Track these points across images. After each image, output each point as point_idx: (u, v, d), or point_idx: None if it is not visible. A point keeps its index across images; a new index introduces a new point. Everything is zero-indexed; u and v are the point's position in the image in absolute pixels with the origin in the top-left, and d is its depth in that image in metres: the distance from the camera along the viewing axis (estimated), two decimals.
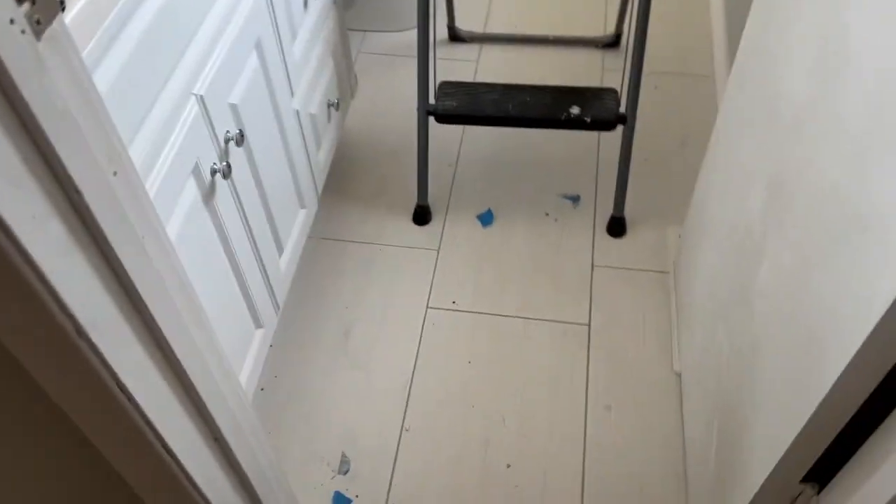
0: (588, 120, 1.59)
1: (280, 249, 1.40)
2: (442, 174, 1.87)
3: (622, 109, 1.61)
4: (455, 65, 2.13)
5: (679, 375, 1.49)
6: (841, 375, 0.72)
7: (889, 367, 0.71)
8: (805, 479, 0.91)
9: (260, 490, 0.96)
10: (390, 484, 1.37)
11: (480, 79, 2.10)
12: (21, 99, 0.47)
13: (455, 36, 2.20)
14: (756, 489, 0.94)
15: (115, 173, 0.58)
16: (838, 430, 0.80)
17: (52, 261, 0.52)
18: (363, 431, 1.44)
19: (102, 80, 0.82)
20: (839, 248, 0.76)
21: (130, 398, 0.64)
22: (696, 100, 2.02)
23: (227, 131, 1.10)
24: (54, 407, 0.66)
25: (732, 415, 1.08)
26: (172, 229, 0.98)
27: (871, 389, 0.73)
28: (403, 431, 1.43)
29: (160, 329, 0.65)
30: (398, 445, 1.42)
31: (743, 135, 1.15)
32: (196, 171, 1.02)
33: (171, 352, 0.68)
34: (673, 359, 1.51)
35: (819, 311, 0.78)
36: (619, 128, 1.62)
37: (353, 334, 1.58)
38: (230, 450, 0.85)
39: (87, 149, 0.53)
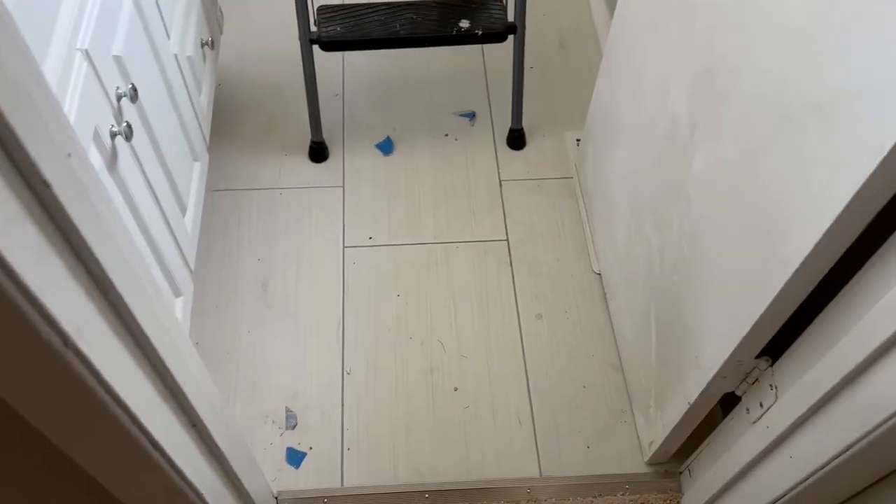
0: (479, 33, 1.56)
1: (183, 209, 1.29)
2: (330, 105, 1.78)
3: (510, 19, 1.59)
4: None
5: (599, 275, 1.54)
6: (806, 257, 0.76)
7: (847, 246, 0.76)
8: (758, 355, 0.98)
9: (237, 467, 0.91)
10: (342, 430, 1.35)
11: None
12: None
13: None
14: (714, 371, 1.00)
15: (69, 155, 0.50)
16: (796, 307, 0.86)
17: (30, 268, 0.44)
18: (303, 382, 1.39)
19: None
20: (790, 136, 0.79)
21: (118, 400, 0.57)
22: (567, 1, 2.02)
23: (118, 88, 0.98)
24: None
25: (673, 303, 1.14)
26: None
27: (830, 267, 0.78)
28: (345, 375, 1.41)
29: (139, 325, 0.58)
30: (342, 390, 1.39)
31: (651, 35, 1.16)
32: (96, 138, 0.91)
33: (152, 348, 0.61)
34: (591, 260, 1.56)
35: (774, 197, 0.82)
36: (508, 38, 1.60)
37: (272, 286, 1.51)
38: (208, 433, 0.80)
39: (45, 135, 0.45)
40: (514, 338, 1.46)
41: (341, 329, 1.46)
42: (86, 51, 0.89)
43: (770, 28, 0.81)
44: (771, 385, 0.96)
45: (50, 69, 0.82)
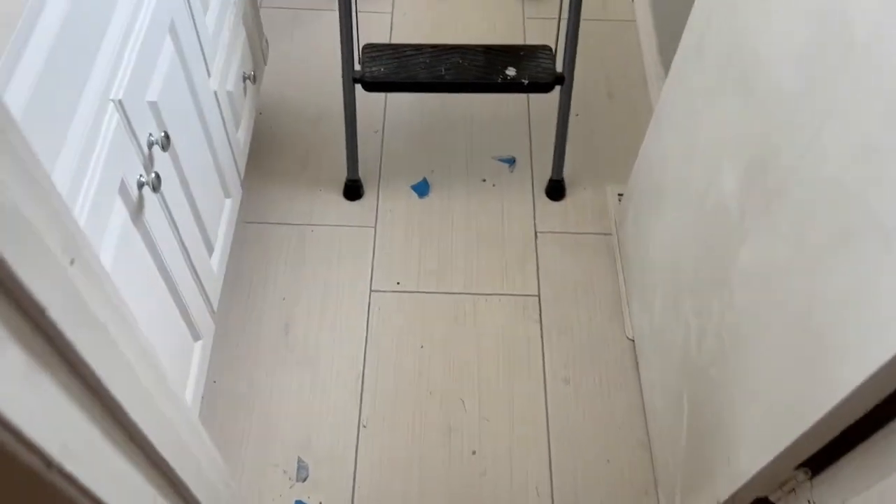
0: (525, 82, 1.51)
1: (210, 249, 1.27)
2: (369, 142, 1.75)
3: (558, 68, 1.54)
4: (369, 17, 1.98)
5: (632, 341, 1.48)
6: (861, 385, 0.70)
7: None
8: (798, 466, 0.91)
9: None
10: (353, 486, 1.31)
11: (397, 32, 1.97)
12: None
13: None
14: (748, 477, 0.94)
15: (72, 262, 0.46)
16: (844, 427, 0.80)
17: (9, 395, 0.40)
18: (318, 432, 1.36)
19: (12, 105, 0.67)
20: (850, 250, 0.73)
21: None
22: (618, 47, 1.97)
23: (150, 135, 0.96)
24: None
25: (708, 395, 1.08)
26: (104, 262, 0.84)
27: (885, 397, 0.72)
28: (361, 428, 1.37)
29: (139, 428, 0.55)
30: (357, 444, 1.35)
31: (706, 103, 1.11)
32: (123, 190, 0.88)
33: (153, 450, 0.58)
34: (625, 325, 1.50)
35: (827, 314, 0.76)
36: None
37: (295, 328, 1.48)
38: None
39: (45, 252, 0.41)
40: (539, 402, 1.40)
41: (361, 379, 1.42)
42: (119, 101, 0.87)
43: (835, 130, 0.76)
44: (809, 500, 0.90)
45: (79, 122, 0.80)
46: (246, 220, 1.61)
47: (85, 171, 0.81)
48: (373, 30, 1.96)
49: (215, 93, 1.25)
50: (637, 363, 1.45)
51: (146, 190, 0.93)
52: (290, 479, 1.31)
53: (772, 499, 0.99)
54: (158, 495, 0.62)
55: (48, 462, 0.45)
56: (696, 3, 1.15)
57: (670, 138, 1.28)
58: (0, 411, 0.39)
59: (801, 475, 0.92)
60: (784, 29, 0.86)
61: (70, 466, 0.47)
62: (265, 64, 1.65)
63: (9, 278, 0.38)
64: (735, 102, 1.00)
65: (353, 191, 1.66)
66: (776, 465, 0.89)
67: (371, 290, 1.53)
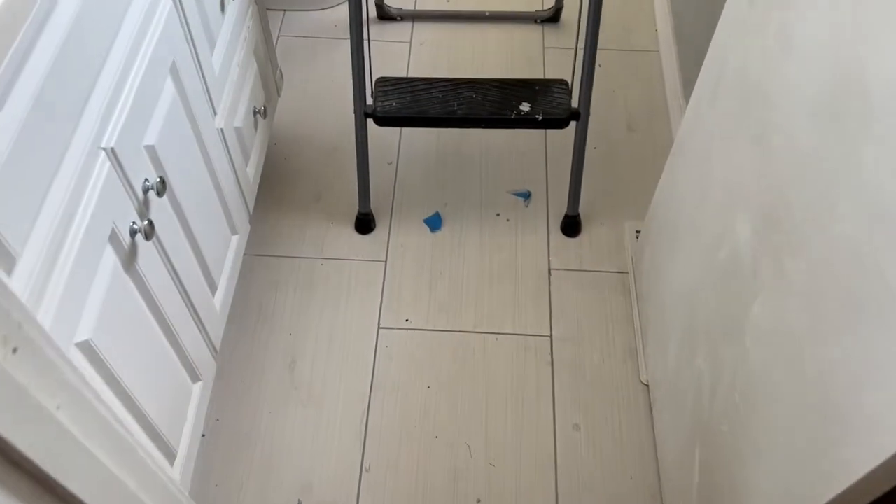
0: (539, 118, 1.48)
1: (213, 288, 1.25)
2: (382, 174, 1.73)
3: (574, 103, 1.51)
4: (386, 47, 1.97)
5: (647, 385, 1.43)
6: (873, 470, 0.65)
7: None
8: None
9: None
10: None
11: (415, 62, 1.95)
12: None
13: (385, 14, 2.03)
14: None
15: (14, 350, 0.44)
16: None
17: None
18: (319, 475, 1.33)
19: None
20: (864, 320, 0.68)
21: None
22: (641, 78, 1.93)
23: (146, 180, 0.94)
24: None
25: (719, 453, 1.03)
26: (91, 311, 0.83)
27: None
28: (363, 472, 1.33)
29: None
30: (359, 488, 1.32)
31: (721, 149, 1.07)
32: (113, 238, 0.87)
33: None
34: (639, 368, 1.45)
35: (839, 390, 0.71)
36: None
37: (301, 365, 1.45)
38: None
39: None
40: (548, 449, 1.36)
41: (365, 419, 1.39)
42: (111, 149, 0.86)
43: (848, 190, 0.71)
44: None
45: (67, 170, 0.79)
46: (255, 253, 1.59)
47: (72, 219, 0.80)
48: (390, 59, 1.94)
49: (221, 130, 1.24)
50: (651, 409, 1.40)
51: (139, 237, 0.92)
52: None
53: None
54: None
55: None
56: (711, 45, 1.11)
57: (686, 180, 1.23)
58: None
59: None
60: (800, 80, 0.82)
61: None
62: (279, 95, 1.64)
63: None
64: (749, 151, 0.96)
65: (364, 224, 1.64)
66: None
67: (379, 327, 1.50)
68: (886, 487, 0.69)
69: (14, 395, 0.43)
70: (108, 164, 0.85)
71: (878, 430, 0.64)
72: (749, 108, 0.96)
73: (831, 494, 0.72)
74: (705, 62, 1.14)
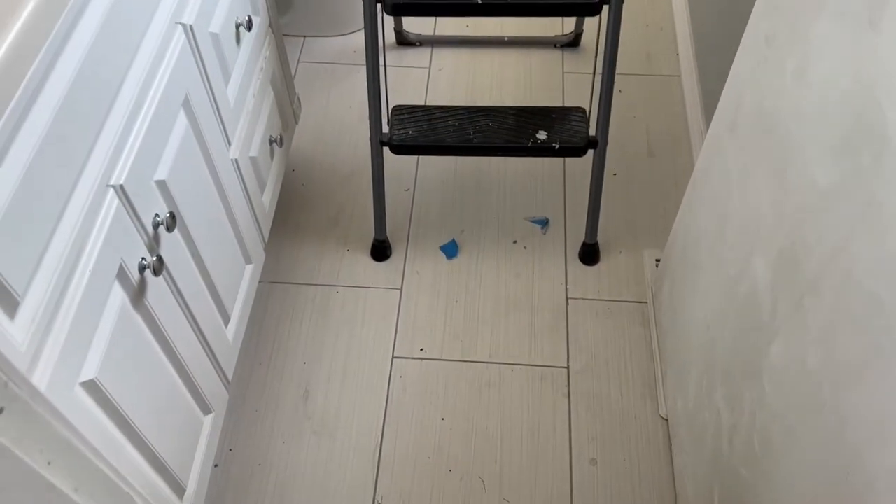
0: (556, 146, 1.47)
1: (226, 319, 1.25)
2: (399, 200, 1.73)
3: (591, 131, 1.49)
4: (405, 72, 1.97)
5: (666, 420, 1.40)
6: None
7: None
8: None
9: None
10: None
11: (433, 88, 1.95)
12: None
13: (403, 40, 2.03)
14: None
15: (1, 410, 0.43)
16: None
17: None
18: None
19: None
20: (883, 368, 0.65)
21: None
22: (661, 103, 1.91)
23: (156, 215, 0.94)
24: None
25: (739, 497, 1.00)
26: (97, 349, 0.82)
27: None
28: None
29: None
30: None
31: (739, 182, 1.04)
32: (121, 274, 0.87)
33: None
34: (659, 402, 1.42)
35: (859, 440, 0.69)
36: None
37: (314, 394, 1.44)
38: None
39: None
40: (564, 486, 1.33)
41: (378, 451, 1.37)
42: (121, 186, 0.86)
43: (866, 235, 0.69)
44: None
45: (75, 207, 0.79)
46: (271, 280, 1.59)
47: (79, 257, 0.80)
48: (409, 84, 1.94)
49: (236, 161, 1.24)
50: (670, 444, 1.37)
51: (148, 273, 0.91)
52: None
53: None
54: None
55: None
56: (728, 79, 1.09)
57: (705, 213, 1.21)
58: None
59: None
60: (817, 118, 0.80)
61: None
62: (296, 123, 1.65)
63: None
64: (767, 186, 0.93)
65: (380, 251, 1.63)
66: None
67: (393, 357, 1.49)
68: None
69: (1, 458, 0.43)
70: (116, 201, 0.85)
71: None
72: (767, 143, 0.94)
73: None
74: (723, 94, 1.12)
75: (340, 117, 1.88)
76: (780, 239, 0.89)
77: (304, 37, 2.06)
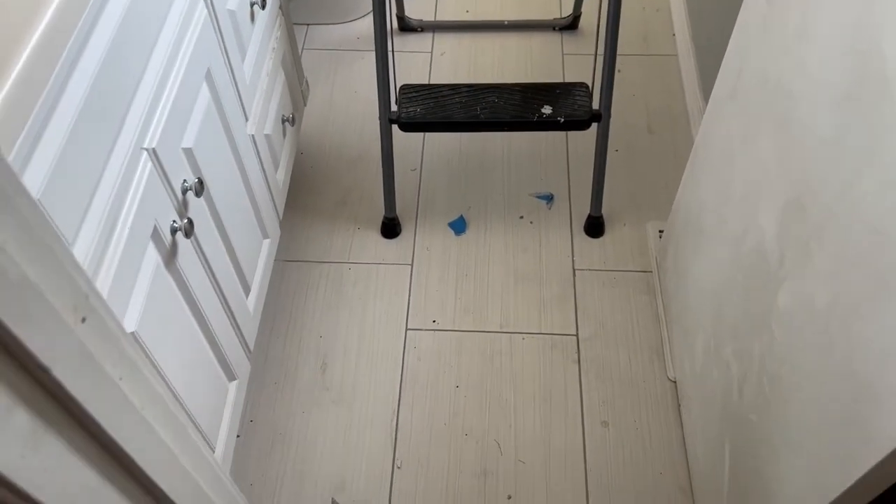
0: (561, 120, 1.51)
1: (247, 290, 1.28)
2: (407, 180, 1.76)
3: (595, 105, 1.53)
4: (408, 57, 2.01)
5: (674, 382, 1.44)
6: None
7: None
8: None
9: None
10: None
11: (436, 71, 1.99)
12: None
13: (406, 26, 2.07)
14: None
15: (83, 319, 0.47)
16: (891, 484, 0.75)
17: (17, 463, 0.41)
18: (352, 474, 1.35)
19: (42, 159, 0.70)
20: (891, 296, 0.69)
21: None
22: (659, 82, 1.95)
23: (185, 181, 0.98)
24: None
25: (750, 444, 1.04)
26: (136, 305, 0.86)
27: None
28: (395, 469, 1.35)
29: (160, 489, 0.55)
30: (391, 486, 1.34)
31: (742, 146, 1.08)
32: (155, 235, 0.90)
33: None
34: (666, 365, 1.46)
35: (867, 364, 0.73)
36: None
37: (331, 366, 1.48)
38: None
39: (50, 312, 0.42)
40: (577, 445, 1.37)
41: (395, 418, 1.41)
42: (153, 149, 0.89)
43: (872, 172, 0.73)
44: None
45: (112, 170, 0.82)
46: (284, 259, 1.63)
47: (117, 217, 0.83)
48: (412, 69, 1.98)
49: (252, 136, 1.28)
50: (679, 405, 1.41)
51: (179, 235, 0.95)
52: None
53: None
54: None
55: None
56: (730, 43, 1.13)
57: (707, 179, 1.25)
58: (7, 477, 0.40)
59: None
60: (819, 70, 0.84)
61: None
62: (305, 105, 1.68)
63: (11, 341, 0.39)
64: (771, 145, 0.97)
65: (390, 229, 1.67)
66: None
67: (407, 329, 1.53)
68: None
69: (86, 363, 0.46)
70: (150, 164, 0.89)
71: None
72: (770, 101, 0.98)
73: (863, 470, 0.73)
74: (724, 60, 1.16)
75: (346, 102, 1.92)
76: (785, 191, 0.93)
77: (308, 24, 2.09)
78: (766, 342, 0.97)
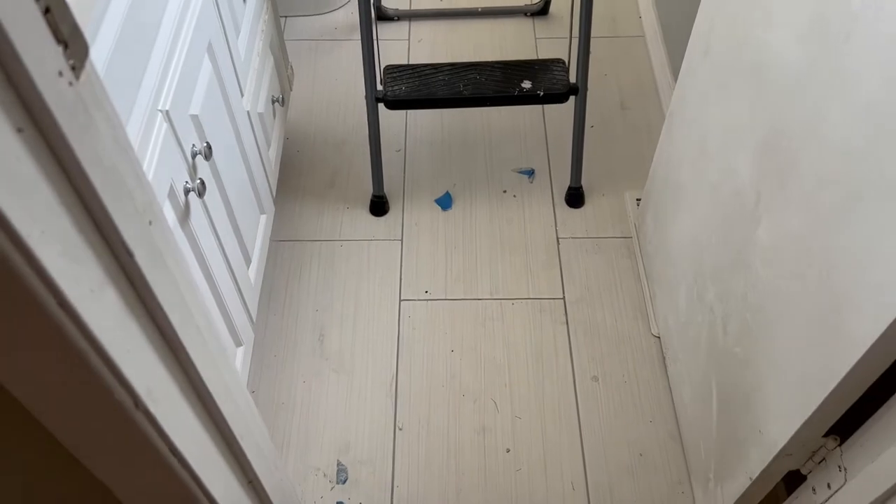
0: (541, 94, 1.58)
1: (248, 261, 1.33)
2: (392, 161, 1.82)
3: (572, 79, 1.60)
4: (386, 45, 2.07)
5: (658, 338, 1.51)
6: (878, 339, 0.74)
7: None
8: (826, 433, 0.94)
9: None
10: (392, 487, 1.34)
11: (414, 58, 2.05)
12: (73, 159, 0.40)
13: (382, 15, 2.13)
14: (778, 448, 0.97)
15: (150, 223, 0.52)
16: (866, 388, 0.83)
17: (110, 333, 0.46)
18: (356, 437, 1.40)
19: None
20: (863, 207, 0.77)
21: (182, 461, 0.59)
22: (629, 61, 2.04)
23: (194, 145, 1.02)
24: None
25: (736, 375, 1.11)
26: None
27: None
28: (397, 431, 1.40)
29: (206, 387, 0.60)
30: (394, 446, 1.39)
31: (717, 97, 1.16)
32: (171, 194, 0.94)
33: (217, 409, 0.63)
34: (650, 322, 1.54)
35: (843, 275, 0.80)
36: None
37: (329, 337, 1.52)
38: (263, 489, 0.80)
39: (130, 204, 0.47)
40: (570, 400, 1.44)
41: (395, 383, 1.46)
42: (167, 111, 0.94)
43: (838, 96, 0.80)
44: (839, 466, 0.92)
45: (133, 128, 0.87)
46: (277, 239, 1.67)
47: None
48: (392, 56, 2.04)
49: (248, 113, 1.32)
50: (664, 358, 1.48)
51: (192, 196, 0.99)
52: (330, 481, 1.35)
53: (803, 472, 1.01)
54: (220, 455, 0.67)
55: (136, 401, 0.50)
56: (699, 9, 1.21)
57: (683, 137, 1.33)
58: (102, 345, 0.45)
59: (830, 442, 0.94)
60: (786, 12, 0.92)
61: (153, 409, 0.52)
62: (291, 89, 1.73)
63: (106, 222, 0.44)
64: (744, 91, 1.05)
65: (379, 207, 1.72)
66: (805, 432, 0.92)
67: (401, 299, 1.58)
68: (892, 359, 0.77)
69: (157, 257, 0.51)
70: (165, 125, 0.93)
71: (880, 301, 0.73)
72: (740, 51, 1.05)
73: (845, 370, 0.80)
74: (695, 26, 1.24)
75: (328, 89, 1.97)
76: (759, 132, 1.00)
77: (286, 16, 2.14)
78: (749, 278, 1.05)
